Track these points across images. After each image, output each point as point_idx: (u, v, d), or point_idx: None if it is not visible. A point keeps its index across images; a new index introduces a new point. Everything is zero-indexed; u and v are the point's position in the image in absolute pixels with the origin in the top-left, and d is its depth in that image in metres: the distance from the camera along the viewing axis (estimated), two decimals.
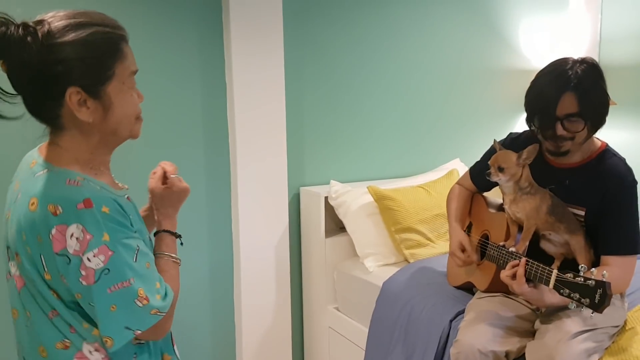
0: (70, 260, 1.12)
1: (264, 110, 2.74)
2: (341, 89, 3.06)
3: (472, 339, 1.82)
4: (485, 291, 2.04)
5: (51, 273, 1.16)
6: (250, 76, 2.69)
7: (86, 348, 1.20)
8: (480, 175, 2.21)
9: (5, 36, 1.09)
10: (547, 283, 1.64)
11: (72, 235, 1.11)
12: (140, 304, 1.16)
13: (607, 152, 1.90)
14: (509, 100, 3.67)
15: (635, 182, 1.85)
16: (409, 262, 2.65)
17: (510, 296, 2.00)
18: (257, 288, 2.84)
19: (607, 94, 1.84)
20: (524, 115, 3.59)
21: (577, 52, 3.84)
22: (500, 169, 1.88)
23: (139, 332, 1.18)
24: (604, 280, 1.50)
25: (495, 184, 2.13)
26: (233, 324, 2.90)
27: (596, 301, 1.49)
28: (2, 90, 1.15)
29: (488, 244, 2.04)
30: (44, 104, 1.17)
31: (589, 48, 3.83)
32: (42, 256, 1.15)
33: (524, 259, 1.73)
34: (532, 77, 3.69)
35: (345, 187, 2.84)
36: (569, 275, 1.57)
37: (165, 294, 1.23)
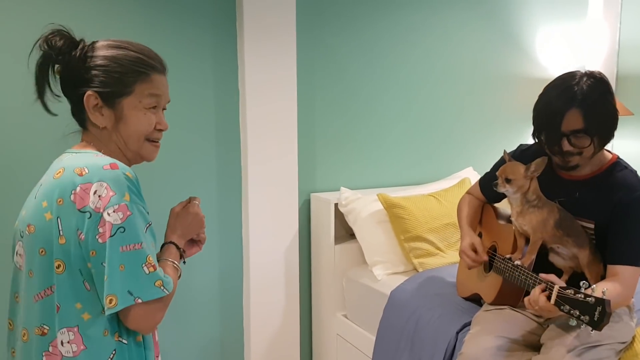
0: (91, 215, 1.18)
1: (276, 116, 2.76)
2: (353, 94, 3.06)
3: (477, 352, 1.81)
4: (492, 303, 2.02)
5: (66, 235, 1.21)
6: (262, 81, 2.71)
7: (60, 337, 1.22)
8: (489, 186, 2.20)
9: (63, 47, 1.30)
10: (548, 298, 1.62)
11: (95, 192, 1.19)
12: (147, 271, 1.21)
13: (617, 165, 1.88)
14: (525, 109, 3.63)
15: None
16: (417, 271, 2.64)
17: (517, 309, 1.98)
18: (266, 294, 2.85)
19: (615, 108, 1.81)
20: None
21: (595, 60, 3.81)
22: (508, 180, 1.86)
23: (140, 300, 1.20)
24: (604, 297, 1.48)
25: (505, 195, 2.11)
26: (242, 329, 2.91)
27: (595, 319, 1.47)
28: (52, 91, 1.34)
29: (495, 255, 2.03)
30: (75, 106, 1.34)
31: (607, 56, 3.79)
32: (59, 219, 1.21)
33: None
34: None
35: (356, 194, 2.84)
36: (570, 292, 1.55)
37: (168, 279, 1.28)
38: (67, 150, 1.37)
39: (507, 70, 3.56)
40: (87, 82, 1.29)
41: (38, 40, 1.31)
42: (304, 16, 2.85)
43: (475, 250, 2.07)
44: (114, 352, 1.26)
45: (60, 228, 1.21)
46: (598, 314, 1.46)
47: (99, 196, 1.18)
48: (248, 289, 2.82)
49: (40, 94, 1.33)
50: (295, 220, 2.87)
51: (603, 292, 1.48)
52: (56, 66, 1.32)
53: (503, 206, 2.29)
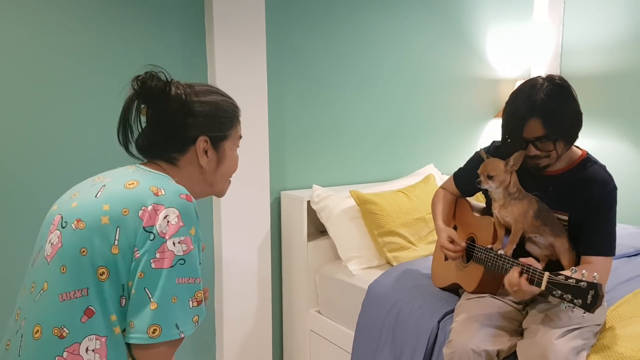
0: (154, 237, 1.17)
1: (247, 115, 2.72)
2: (322, 95, 3.11)
3: (465, 339, 1.88)
4: (473, 292, 2.11)
5: (121, 247, 1.18)
6: (232, 79, 2.70)
7: (87, 343, 1.17)
8: (464, 181, 2.30)
9: (160, 89, 1.34)
10: (539, 285, 1.71)
11: (165, 216, 1.19)
12: (191, 305, 1.21)
13: (588, 160, 2.00)
14: (477, 108, 3.80)
15: (616, 188, 1.96)
16: (392, 265, 2.71)
17: (496, 297, 2.07)
18: (238, 292, 2.85)
19: (576, 110, 1.91)
20: (492, 122, 3.75)
21: (540, 62, 3.99)
22: (490, 177, 1.96)
23: (183, 335, 1.19)
24: (596, 281, 1.58)
25: (478, 190, 2.22)
26: (214, 328, 2.90)
27: (588, 302, 1.57)
28: (131, 127, 1.38)
29: (475, 246, 2.12)
30: (171, 147, 1.37)
31: (551, 59, 3.98)
32: (118, 229, 1.18)
33: (518, 268, 1.80)
34: (499, 87, 3.87)
35: (327, 192, 2.88)
36: (561, 277, 1.65)
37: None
38: (138, 164, 1.39)
39: (461, 72, 3.70)
40: (196, 126, 1.36)
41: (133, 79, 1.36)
42: (273, 15, 2.87)
43: (453, 241, 2.17)
44: None
45: (116, 237, 1.18)
46: (591, 297, 1.56)
47: (168, 221, 1.19)
48: (220, 288, 2.82)
49: (125, 132, 1.38)
50: (267, 219, 2.89)
51: (594, 277, 1.59)
52: (142, 106, 1.37)
53: (475, 200, 2.40)
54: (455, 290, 2.31)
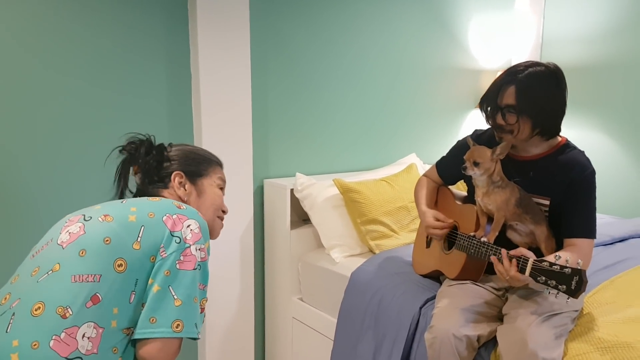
0: (180, 241, 1.29)
1: (230, 103, 2.76)
2: (305, 84, 3.11)
3: (447, 325, 1.91)
4: (455, 279, 2.14)
5: (143, 244, 1.26)
6: (216, 67, 2.69)
7: (85, 330, 1.19)
8: (446, 169, 2.33)
9: (142, 151, 1.61)
10: (522, 271, 1.74)
11: (188, 225, 1.32)
12: (200, 309, 1.31)
13: (567, 146, 2.04)
14: (459, 98, 3.83)
15: (594, 172, 1.99)
16: (374, 253, 2.73)
17: (477, 283, 2.11)
18: (221, 280, 2.86)
19: (558, 101, 1.94)
20: (473, 112, 3.78)
21: (520, 53, 4.03)
22: (476, 164, 1.98)
23: (199, 335, 1.27)
24: (580, 267, 1.62)
25: (460, 178, 2.25)
26: None
27: (572, 287, 1.60)
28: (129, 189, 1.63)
29: (457, 234, 2.14)
30: (154, 185, 1.59)
31: (532, 50, 4.01)
32: (142, 227, 1.30)
33: (504, 251, 1.83)
34: (480, 77, 3.89)
35: (311, 180, 2.89)
36: (546, 264, 1.68)
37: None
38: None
39: (443, 62, 3.72)
40: (173, 165, 1.60)
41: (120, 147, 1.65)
42: (257, 3, 2.86)
43: (438, 220, 2.20)
44: None
45: (139, 234, 1.29)
46: (575, 283, 1.59)
47: (191, 230, 1.32)
48: None
49: (122, 191, 1.60)
50: (250, 207, 2.89)
51: (578, 263, 1.62)
52: (132, 167, 1.61)
53: (457, 189, 2.43)
54: (436, 277, 2.34)
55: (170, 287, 1.25)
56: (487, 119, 2.02)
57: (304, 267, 2.89)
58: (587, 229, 1.96)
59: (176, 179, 1.58)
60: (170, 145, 1.69)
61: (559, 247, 2.01)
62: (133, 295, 1.25)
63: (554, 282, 1.63)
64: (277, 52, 2.99)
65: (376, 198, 2.80)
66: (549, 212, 2.02)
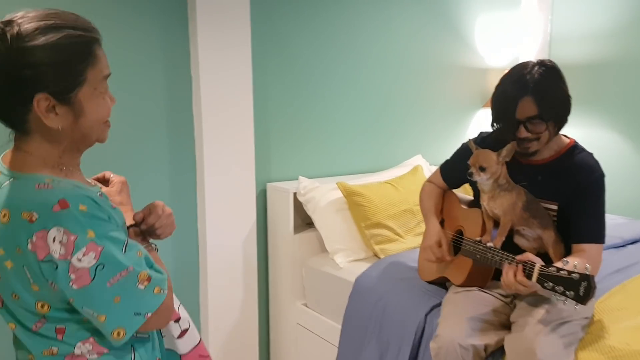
0: (57, 265, 1.07)
1: (231, 105, 2.71)
2: (308, 84, 3.06)
3: (452, 334, 1.86)
4: (461, 285, 2.08)
5: (38, 283, 1.10)
6: (216, 68, 2.65)
7: (79, 350, 1.17)
8: (451, 174, 2.27)
9: None
10: (529, 277, 1.69)
11: (54, 239, 1.06)
12: (142, 286, 1.14)
13: (575, 148, 1.99)
14: (466, 97, 3.77)
15: (604, 175, 1.94)
16: (379, 258, 2.67)
17: (485, 290, 2.05)
18: (224, 285, 2.81)
19: (567, 94, 1.91)
20: (481, 111, 3.72)
21: (528, 51, 3.96)
22: (482, 169, 1.92)
23: (149, 314, 1.16)
24: (588, 273, 1.56)
25: (465, 181, 2.19)
26: (199, 321, 2.86)
27: (581, 294, 1.55)
28: None
29: (463, 239, 2.09)
30: (12, 108, 1.12)
31: (540, 47, 3.95)
32: (25, 268, 1.09)
33: (520, 266, 1.75)
34: (487, 76, 3.83)
35: (314, 183, 2.84)
36: (553, 269, 1.62)
37: (160, 272, 1.22)
38: None
39: (448, 60, 3.66)
40: (30, 81, 1.08)
41: None
42: (258, 2, 2.81)
43: (440, 247, 2.14)
44: (132, 349, 1.23)
45: (29, 276, 1.10)
46: (584, 289, 1.53)
47: (60, 242, 1.06)
48: (205, 281, 2.78)
49: None
50: (252, 211, 2.85)
51: (586, 268, 1.56)
52: None
53: (462, 192, 2.37)
54: (442, 283, 2.28)
55: (84, 309, 1.12)
56: (505, 134, 1.93)
57: (308, 272, 2.84)
58: (596, 234, 1.90)
59: (41, 104, 1.10)
60: (19, 27, 1.08)
61: (568, 252, 1.95)
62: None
63: (561, 288, 1.58)
64: (278, 52, 2.94)
65: (380, 201, 2.74)
66: (557, 217, 1.96)
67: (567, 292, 1.56)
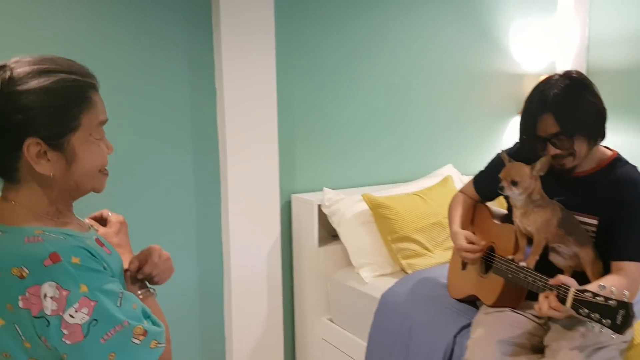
0: (49, 322, 1.02)
1: (255, 114, 2.66)
2: (333, 93, 2.98)
3: (482, 358, 1.76)
4: (492, 306, 1.97)
5: (30, 341, 1.05)
6: (240, 78, 2.60)
7: None
8: (484, 185, 2.16)
9: None
10: (563, 302, 1.58)
11: (45, 295, 1.01)
12: (138, 341, 1.08)
13: (618, 161, 1.88)
14: (500, 104, 3.64)
15: None
16: (406, 273, 2.58)
17: (517, 311, 1.94)
18: (248, 299, 2.75)
19: (596, 104, 1.80)
20: (516, 118, 3.59)
21: (565, 56, 3.83)
22: (514, 183, 1.81)
23: None
24: (626, 300, 1.44)
25: (499, 194, 2.07)
26: (223, 335, 2.81)
27: (618, 322, 1.43)
28: None
29: (495, 256, 1.98)
30: (2, 155, 1.08)
31: (577, 52, 3.81)
32: (16, 325, 1.04)
33: (553, 292, 1.62)
34: (523, 81, 3.70)
35: (339, 195, 2.76)
36: (588, 295, 1.51)
37: (158, 325, 1.16)
38: None
39: (482, 66, 3.55)
40: (22, 126, 1.05)
41: None
42: (283, 11, 2.75)
43: (471, 242, 2.03)
44: None
45: (20, 334, 1.05)
46: (621, 318, 1.42)
47: (52, 297, 1.01)
48: (229, 294, 2.72)
49: None
50: (277, 223, 2.78)
51: (624, 295, 1.45)
52: None
53: (495, 205, 2.26)
54: (473, 302, 2.17)
55: None
56: (536, 152, 1.84)
57: (333, 286, 2.76)
58: (637, 252, 1.77)
59: (31, 149, 1.06)
60: (11, 71, 1.06)
61: (607, 270, 1.83)
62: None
63: (597, 316, 1.46)
64: (304, 61, 2.87)
65: (408, 214, 2.64)
66: (596, 233, 1.85)
67: (603, 320, 1.45)
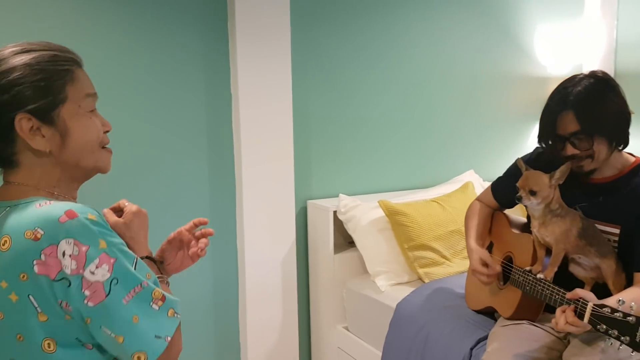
0: (70, 282, 1.00)
1: (270, 119, 2.63)
2: (349, 96, 2.94)
3: None
4: (510, 318, 1.90)
5: (47, 311, 1.02)
6: (255, 83, 2.58)
7: None
8: (503, 192, 2.10)
9: None
10: (580, 317, 1.50)
11: (64, 253, 0.99)
12: (157, 307, 1.07)
13: None
14: (524, 108, 3.55)
15: None
16: (423, 282, 2.52)
17: (535, 324, 1.87)
18: (263, 306, 2.71)
19: (619, 106, 1.73)
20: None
21: (592, 59, 3.73)
22: (532, 192, 1.74)
23: (169, 338, 1.06)
24: None
25: (518, 202, 2.00)
26: (238, 343, 2.77)
27: (637, 339, 1.36)
28: None
29: (512, 267, 1.91)
30: None
31: (604, 55, 3.71)
32: (31, 297, 1.01)
33: (571, 307, 1.56)
34: (548, 85, 3.60)
35: (355, 201, 2.71)
36: (607, 310, 1.43)
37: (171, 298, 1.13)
38: None
39: (505, 70, 3.46)
40: (9, 104, 1.05)
41: None
42: (299, 16, 2.72)
43: (486, 265, 1.96)
44: None
45: (35, 305, 1.01)
46: None
47: (70, 255, 0.99)
48: (244, 301, 2.69)
49: None
50: (292, 229, 2.74)
51: None
52: None
53: (514, 213, 2.18)
54: (490, 313, 2.10)
55: (102, 328, 1.02)
56: (555, 153, 1.79)
57: (349, 294, 2.71)
58: None
59: (23, 125, 1.07)
60: None
61: (630, 282, 1.75)
62: (87, 346, 1.07)
63: (615, 332, 1.39)
64: (320, 66, 2.83)
65: (425, 221, 2.58)
66: (618, 242, 1.77)
67: (621, 337, 1.38)
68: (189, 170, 2.60)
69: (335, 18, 2.85)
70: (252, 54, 2.55)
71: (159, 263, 1.33)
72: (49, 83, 1.08)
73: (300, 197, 2.84)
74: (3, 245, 1.02)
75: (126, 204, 1.32)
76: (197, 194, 2.63)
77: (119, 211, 1.33)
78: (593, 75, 1.74)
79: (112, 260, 1.02)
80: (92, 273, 1.00)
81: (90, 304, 1.00)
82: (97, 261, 1.00)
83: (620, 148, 1.77)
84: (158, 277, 1.24)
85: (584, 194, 1.80)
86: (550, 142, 1.79)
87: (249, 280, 2.66)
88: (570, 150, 1.73)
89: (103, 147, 1.18)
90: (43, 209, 1.03)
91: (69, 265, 0.99)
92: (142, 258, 1.25)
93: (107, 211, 1.32)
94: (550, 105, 1.77)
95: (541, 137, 1.83)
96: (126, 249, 1.08)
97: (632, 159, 1.82)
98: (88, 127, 1.14)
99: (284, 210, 2.71)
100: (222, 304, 2.73)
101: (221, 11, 2.57)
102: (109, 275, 1.01)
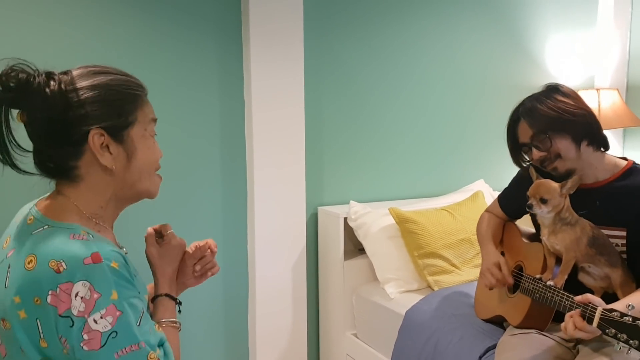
0: (73, 322, 1.02)
1: (283, 125, 2.65)
2: (362, 103, 2.95)
3: None
4: (519, 326, 1.90)
5: (48, 340, 1.04)
6: (268, 89, 2.60)
7: None
8: (510, 203, 2.11)
9: (26, 85, 1.08)
10: (590, 321, 1.51)
11: (77, 294, 1.02)
12: None
13: (635, 169, 1.83)
14: None
15: None
16: (432, 290, 2.52)
17: (544, 333, 1.86)
18: (273, 311, 2.72)
19: (570, 104, 1.81)
20: None
21: (604, 70, 3.72)
22: (543, 201, 1.75)
23: None
24: None
25: (526, 212, 2.01)
26: (247, 348, 2.78)
27: None
28: (16, 143, 1.12)
29: (522, 275, 1.91)
30: (63, 153, 1.12)
31: (617, 67, 3.71)
32: (38, 321, 1.04)
33: (579, 310, 1.56)
34: None
35: (365, 208, 2.72)
36: (616, 314, 1.44)
37: (168, 358, 1.15)
38: (32, 209, 1.16)
39: (516, 80, 3.47)
40: (84, 118, 1.10)
41: None
42: (312, 21, 2.74)
43: (500, 270, 1.96)
44: None
45: (40, 331, 1.04)
46: None
47: (82, 298, 1.02)
48: (254, 306, 2.70)
49: (4, 150, 1.10)
50: (302, 235, 2.75)
51: None
52: (16, 112, 1.11)
53: (523, 223, 2.19)
54: (500, 322, 2.10)
55: None
56: (523, 162, 1.96)
57: (359, 301, 2.71)
58: None
59: (96, 140, 1.11)
60: (67, 74, 1.13)
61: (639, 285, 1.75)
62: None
63: (624, 336, 1.40)
64: (333, 72, 2.85)
65: (435, 229, 2.58)
66: (626, 245, 1.77)
67: (630, 341, 1.38)
68: (202, 173, 2.62)
69: (348, 24, 2.87)
70: (266, 58, 2.57)
71: (178, 302, 1.34)
72: (123, 104, 1.15)
73: (311, 203, 2.85)
74: (28, 263, 1.06)
75: (169, 231, 1.37)
76: (210, 197, 2.65)
77: (161, 236, 1.37)
78: (546, 85, 1.89)
79: (117, 314, 1.04)
80: (95, 322, 1.03)
81: (85, 347, 1.03)
82: (103, 311, 1.03)
83: (602, 150, 1.82)
84: (171, 322, 1.27)
85: (581, 202, 1.81)
86: (518, 152, 1.93)
87: (259, 285, 2.67)
88: (536, 153, 1.81)
89: (156, 171, 1.25)
90: (74, 244, 1.06)
91: (77, 307, 1.02)
92: (162, 295, 1.29)
93: (150, 232, 1.37)
94: (509, 122, 1.93)
95: (512, 155, 1.97)
96: (135, 302, 1.09)
97: (624, 163, 1.85)
98: (152, 150, 1.21)
99: (295, 216, 2.73)
100: (232, 310, 2.74)
101: (236, 16, 2.60)
102: (110, 327, 1.04)
